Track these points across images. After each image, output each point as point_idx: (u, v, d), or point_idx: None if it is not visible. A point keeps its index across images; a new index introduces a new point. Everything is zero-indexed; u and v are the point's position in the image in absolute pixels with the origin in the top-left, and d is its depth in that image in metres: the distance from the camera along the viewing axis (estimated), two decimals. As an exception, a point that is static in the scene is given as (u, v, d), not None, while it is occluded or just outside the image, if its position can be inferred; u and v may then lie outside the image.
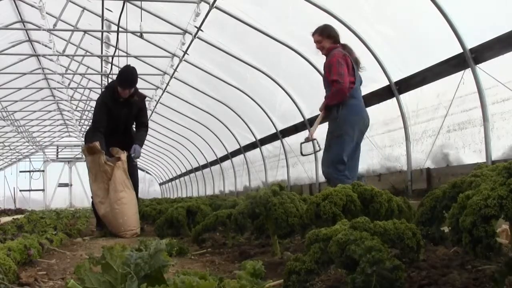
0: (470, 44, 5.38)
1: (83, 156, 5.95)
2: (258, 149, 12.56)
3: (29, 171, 31.70)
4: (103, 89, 6.30)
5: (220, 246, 3.99)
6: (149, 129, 6.71)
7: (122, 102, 5.83)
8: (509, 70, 5.13)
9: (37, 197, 31.79)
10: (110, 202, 5.65)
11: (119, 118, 5.91)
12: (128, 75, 5.76)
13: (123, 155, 5.83)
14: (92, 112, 20.80)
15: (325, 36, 4.97)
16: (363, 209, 2.49)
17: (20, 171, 31.55)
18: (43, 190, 31.95)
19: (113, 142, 5.91)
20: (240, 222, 3.24)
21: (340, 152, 4.69)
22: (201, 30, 8.68)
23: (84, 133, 6.78)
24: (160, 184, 30.58)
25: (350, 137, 4.70)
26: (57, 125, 24.98)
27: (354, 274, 1.61)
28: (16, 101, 16.76)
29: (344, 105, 4.73)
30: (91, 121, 6.02)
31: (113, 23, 9.73)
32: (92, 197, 6.02)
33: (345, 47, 4.92)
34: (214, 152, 16.26)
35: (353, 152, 4.81)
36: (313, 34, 5.07)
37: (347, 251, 1.68)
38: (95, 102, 6.78)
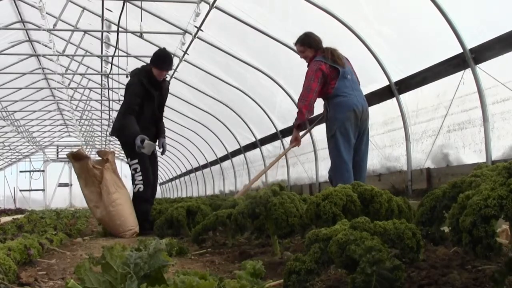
0: (470, 44, 5.38)
1: (70, 162, 5.89)
2: (258, 149, 12.57)
3: (29, 171, 31.72)
4: (133, 73, 6.10)
5: (220, 246, 3.99)
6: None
7: (157, 84, 5.81)
8: (509, 70, 5.13)
9: (37, 197, 31.81)
10: (105, 205, 5.58)
11: (153, 100, 5.81)
12: (168, 56, 5.88)
13: (110, 155, 5.81)
14: (92, 111, 20.65)
15: (307, 46, 5.01)
16: (363, 209, 2.49)
17: (20, 171, 31.59)
18: (43, 190, 31.97)
19: (147, 132, 5.75)
20: (240, 222, 3.24)
21: (339, 152, 4.71)
22: (201, 30, 8.69)
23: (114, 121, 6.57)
24: (160, 184, 30.59)
25: (344, 135, 4.72)
26: (57, 125, 25.01)
27: (354, 274, 1.61)
28: (16, 101, 16.78)
29: (331, 105, 4.81)
30: (125, 105, 5.83)
31: (113, 23, 9.73)
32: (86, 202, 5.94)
33: (325, 50, 4.91)
34: (214, 152, 16.27)
35: (357, 147, 4.82)
36: (295, 44, 5.13)
37: (347, 251, 1.68)
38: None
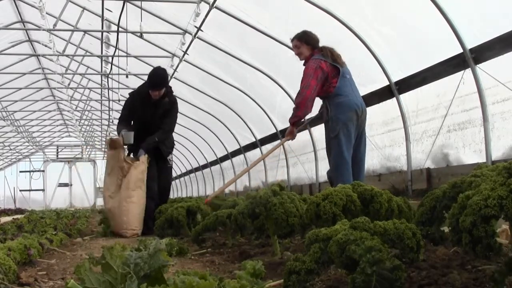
0: (470, 44, 5.38)
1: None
2: (258, 149, 12.56)
3: (29, 171, 31.70)
4: (137, 88, 6.47)
5: (220, 246, 3.99)
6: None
7: (151, 103, 5.93)
8: (509, 70, 5.13)
9: (37, 197, 31.77)
10: (120, 198, 5.67)
11: (144, 119, 6.01)
12: (156, 78, 5.87)
13: (143, 157, 5.90)
14: (92, 111, 20.76)
15: (304, 43, 4.97)
16: (363, 209, 2.49)
17: (20, 171, 31.55)
18: (43, 190, 31.93)
19: (140, 140, 6.01)
20: (240, 222, 3.24)
21: (341, 153, 4.69)
22: (201, 30, 8.68)
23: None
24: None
25: (346, 135, 4.70)
26: (57, 125, 24.99)
27: (354, 274, 1.61)
28: (16, 101, 16.76)
29: (332, 105, 4.75)
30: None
31: (113, 23, 9.73)
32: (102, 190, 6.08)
33: (323, 49, 4.89)
34: (214, 152, 16.26)
35: (356, 147, 4.81)
36: (292, 40, 5.10)
37: (347, 251, 1.68)
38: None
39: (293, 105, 4.95)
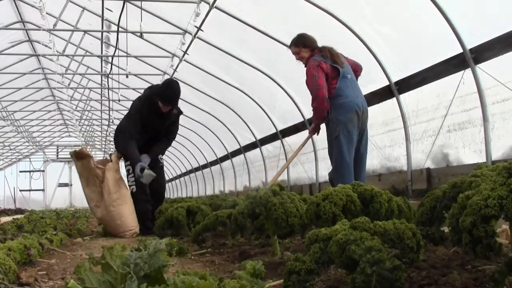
0: (470, 44, 5.38)
1: (69, 163, 5.93)
2: (258, 149, 12.56)
3: (29, 171, 31.72)
4: (143, 94, 6.16)
5: (220, 246, 3.99)
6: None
7: (158, 114, 5.76)
8: (509, 70, 5.13)
9: (37, 197, 31.80)
10: (105, 205, 5.57)
11: (148, 127, 5.85)
12: (172, 93, 5.65)
13: (113, 156, 5.83)
14: (92, 111, 20.64)
15: (302, 46, 4.98)
16: (363, 209, 2.49)
17: (20, 171, 31.58)
18: (43, 190, 31.96)
19: (139, 147, 5.84)
20: (240, 222, 3.24)
21: (341, 154, 4.70)
22: (201, 30, 8.68)
23: (114, 134, 6.64)
24: (160, 184, 30.50)
25: (346, 136, 4.70)
26: (57, 125, 24.99)
27: (354, 274, 1.61)
28: (16, 101, 16.76)
29: (332, 106, 4.76)
30: (119, 125, 6.31)
31: (113, 23, 9.73)
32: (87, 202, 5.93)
33: (322, 49, 4.89)
34: (214, 152, 16.27)
35: (357, 147, 4.81)
36: (290, 47, 5.11)
37: (347, 251, 1.68)
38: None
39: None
